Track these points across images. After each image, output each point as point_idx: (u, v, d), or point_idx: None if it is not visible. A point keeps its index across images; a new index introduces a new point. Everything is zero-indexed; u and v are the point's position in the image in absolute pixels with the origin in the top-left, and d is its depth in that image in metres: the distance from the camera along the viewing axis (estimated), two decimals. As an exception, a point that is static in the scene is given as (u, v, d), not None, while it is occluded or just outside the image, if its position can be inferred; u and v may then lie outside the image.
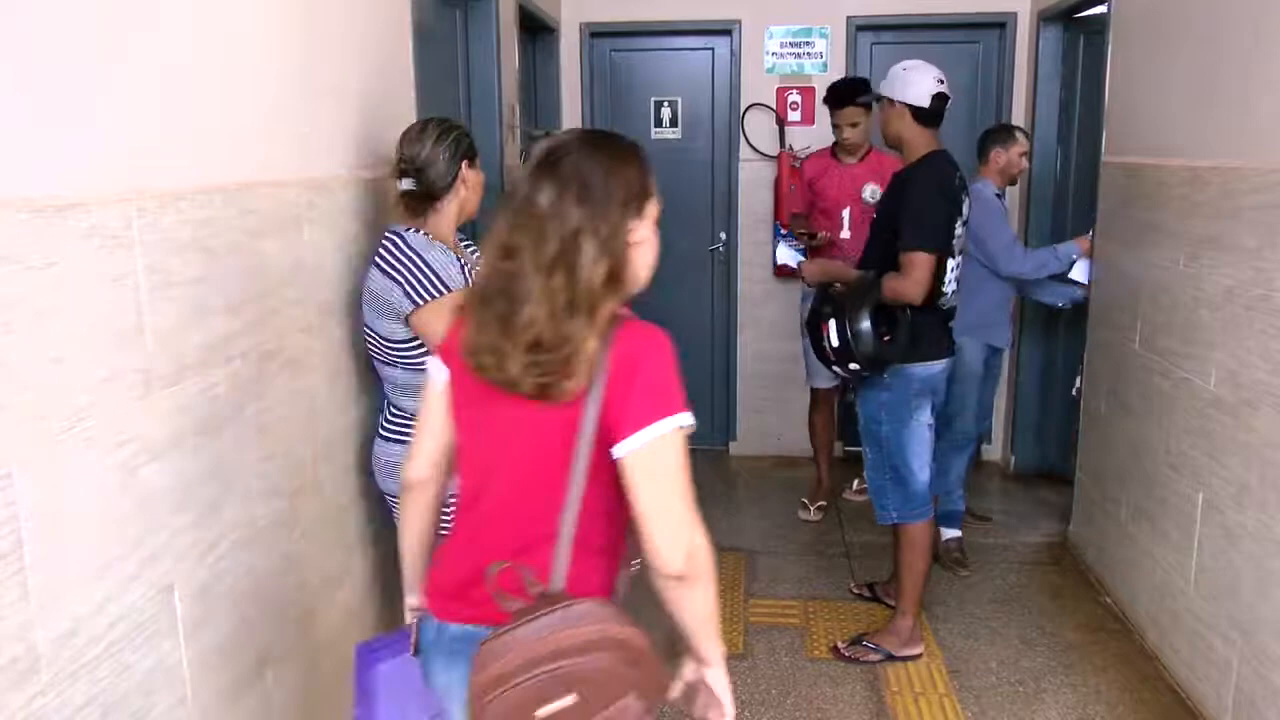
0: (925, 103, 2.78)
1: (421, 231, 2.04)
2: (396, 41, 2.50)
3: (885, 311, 2.72)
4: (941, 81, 2.80)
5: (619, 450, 1.25)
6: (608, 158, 1.30)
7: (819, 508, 4.13)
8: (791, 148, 4.56)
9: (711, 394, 5.06)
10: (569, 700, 1.19)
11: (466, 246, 2.25)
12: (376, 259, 2.01)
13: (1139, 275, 3.12)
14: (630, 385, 1.26)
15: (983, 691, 2.82)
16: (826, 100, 3.87)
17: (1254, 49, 2.45)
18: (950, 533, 3.70)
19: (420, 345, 1.98)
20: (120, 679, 1.34)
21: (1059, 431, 4.37)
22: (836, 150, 3.94)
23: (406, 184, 2.04)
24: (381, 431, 2.12)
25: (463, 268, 2.01)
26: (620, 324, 1.29)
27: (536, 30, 4.40)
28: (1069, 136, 4.32)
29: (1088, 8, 3.96)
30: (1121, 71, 3.37)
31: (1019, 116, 4.47)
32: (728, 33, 4.67)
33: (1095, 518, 3.54)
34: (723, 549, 3.89)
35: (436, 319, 1.95)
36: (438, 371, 1.43)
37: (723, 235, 4.86)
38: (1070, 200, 4.35)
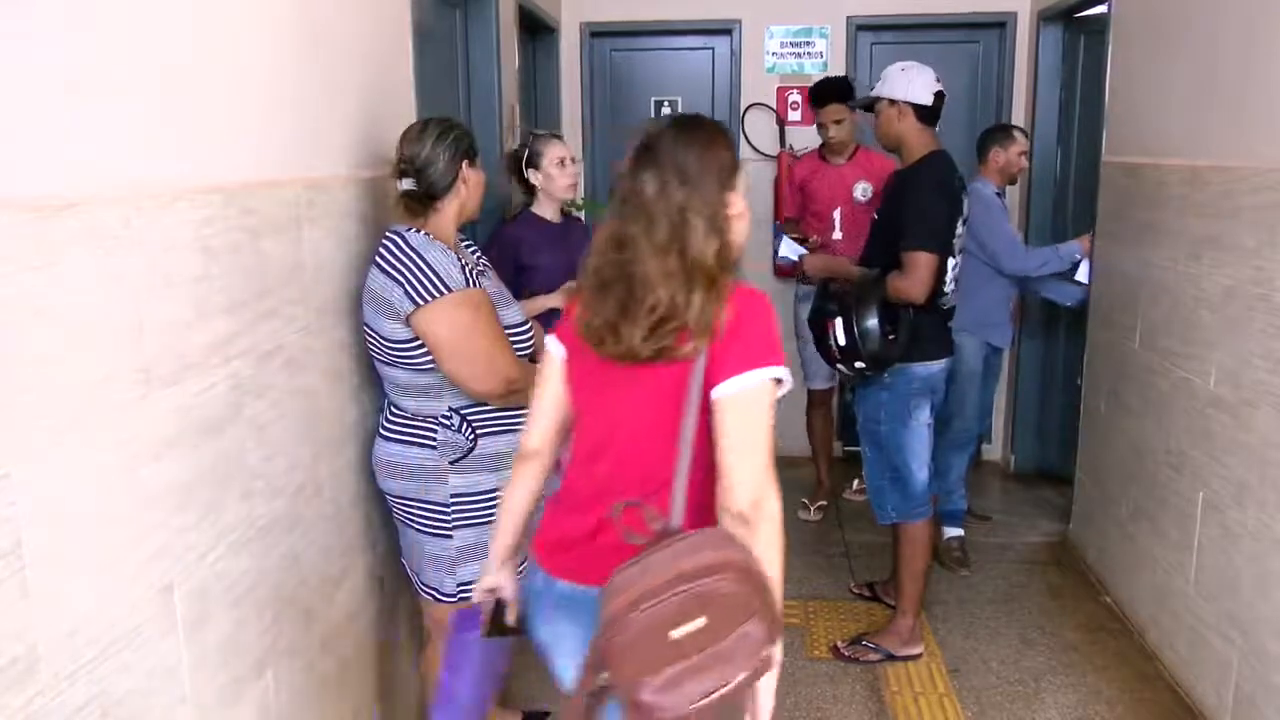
0: (928, 100, 2.78)
1: (422, 231, 2.03)
2: (396, 41, 2.50)
3: (889, 310, 2.72)
4: (938, 80, 2.81)
5: (715, 392, 1.36)
6: (699, 141, 1.41)
7: (819, 508, 4.14)
8: (791, 147, 4.56)
9: (711, 394, 5.05)
10: (700, 622, 1.22)
11: (467, 246, 2.25)
12: (377, 259, 2.01)
13: (1139, 275, 3.12)
14: (733, 337, 1.37)
15: (983, 691, 2.82)
16: (809, 100, 3.89)
17: (1253, 49, 2.45)
18: (952, 531, 3.70)
19: (421, 346, 1.98)
20: (120, 679, 1.34)
21: (1059, 431, 4.37)
22: (824, 151, 3.94)
23: (407, 184, 2.04)
24: (382, 431, 2.12)
25: (463, 268, 2.00)
26: (734, 289, 1.41)
27: (536, 30, 4.40)
28: (1069, 136, 4.32)
29: (1088, 8, 3.96)
30: (1121, 71, 3.37)
31: (1019, 116, 4.47)
32: (728, 32, 4.67)
33: (1095, 518, 3.54)
34: (723, 549, 3.89)
35: (437, 319, 1.95)
36: (555, 350, 1.55)
37: (723, 235, 4.86)
38: (1070, 200, 4.35)
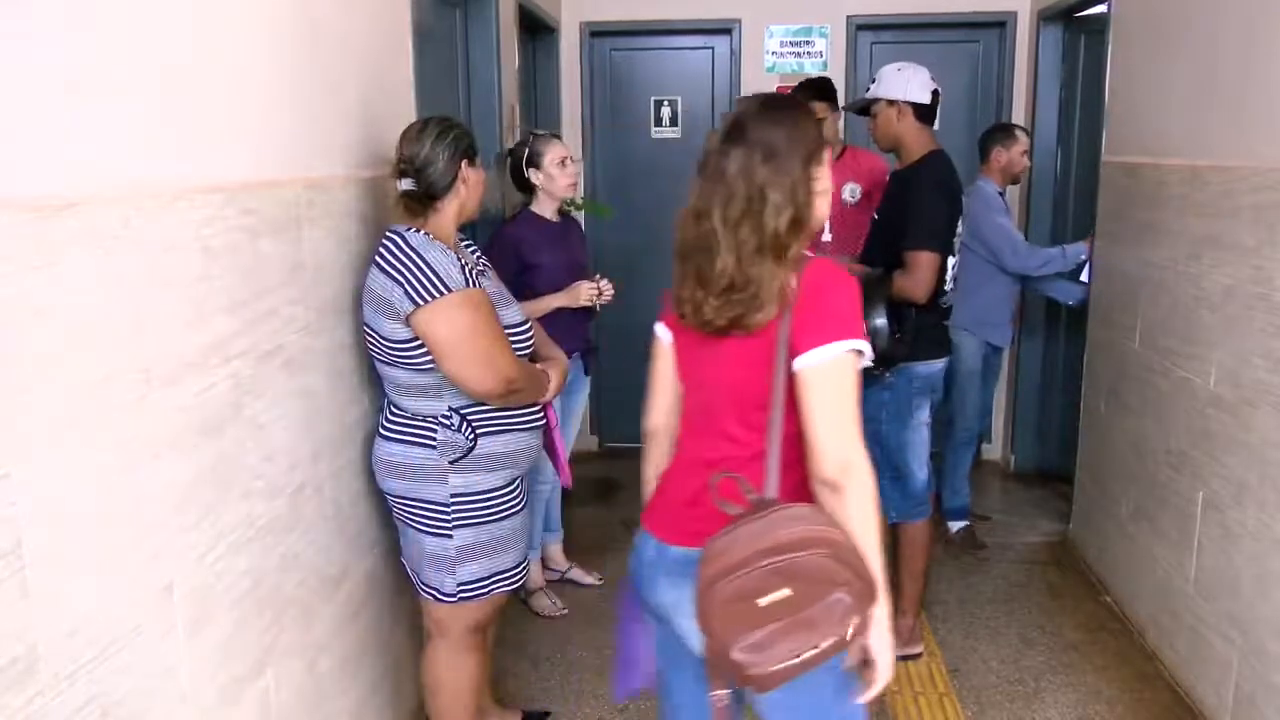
0: (926, 98, 2.79)
1: (422, 231, 2.03)
2: (396, 41, 2.50)
3: (894, 309, 2.72)
4: (933, 79, 2.82)
5: (797, 363, 1.42)
6: (787, 119, 1.50)
7: None
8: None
9: (711, 393, 5.05)
10: (785, 592, 1.31)
11: (467, 246, 2.25)
12: (377, 259, 2.00)
13: (1139, 275, 3.12)
14: (814, 310, 1.43)
15: (982, 690, 2.82)
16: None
17: (1254, 49, 2.45)
18: (958, 524, 3.71)
19: (420, 345, 1.98)
20: (120, 679, 1.34)
21: (1059, 431, 4.37)
22: None
23: (406, 184, 2.04)
24: (382, 431, 2.12)
25: (463, 268, 2.00)
26: (809, 261, 1.49)
27: (536, 30, 4.40)
28: (1069, 136, 4.32)
29: (1088, 7, 3.96)
30: (1121, 71, 3.37)
31: (1019, 116, 4.47)
32: (728, 32, 4.67)
33: (1095, 517, 3.54)
34: (723, 548, 3.89)
35: (437, 319, 1.95)
36: (662, 334, 1.66)
37: (723, 235, 4.85)
38: (1070, 200, 4.35)
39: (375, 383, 2.22)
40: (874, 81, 2.88)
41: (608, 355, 4.75)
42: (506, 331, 2.07)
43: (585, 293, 3.05)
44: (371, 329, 2.02)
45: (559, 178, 3.07)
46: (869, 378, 2.85)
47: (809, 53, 4.63)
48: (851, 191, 3.81)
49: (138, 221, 1.38)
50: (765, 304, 1.44)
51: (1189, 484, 2.73)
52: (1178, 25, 2.90)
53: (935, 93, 2.81)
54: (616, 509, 4.34)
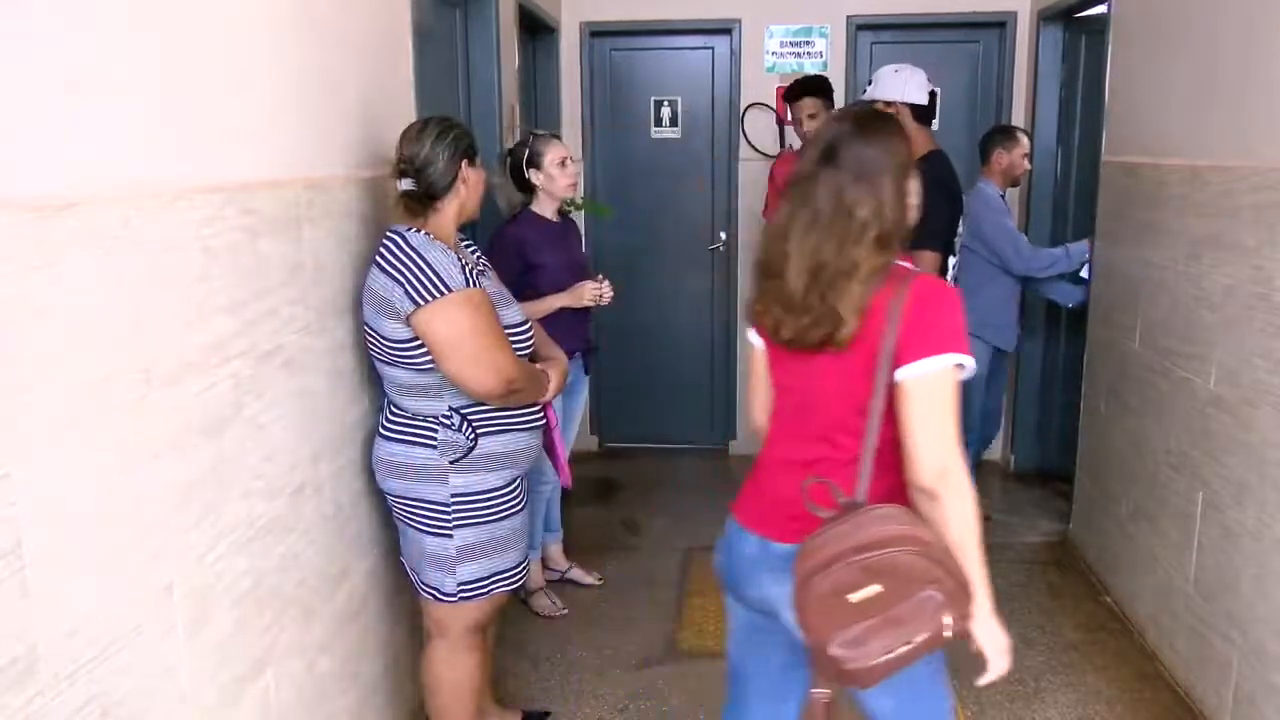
0: (923, 99, 2.79)
1: (422, 231, 2.03)
2: (396, 41, 2.50)
3: None
4: (930, 80, 2.83)
5: (900, 374, 1.46)
6: (879, 139, 1.54)
7: None
8: (791, 147, 4.55)
9: (711, 394, 5.06)
10: (876, 588, 1.38)
11: (466, 246, 2.25)
12: (378, 259, 2.00)
13: (1139, 275, 3.12)
14: (920, 324, 1.47)
15: (982, 691, 2.82)
16: (785, 96, 3.84)
17: (1254, 49, 2.45)
18: None
19: (421, 345, 1.98)
20: (120, 679, 1.34)
21: (1059, 431, 4.37)
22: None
23: (406, 184, 2.04)
24: (382, 431, 2.12)
25: (463, 267, 2.00)
26: (916, 275, 1.53)
27: (536, 30, 4.40)
28: (1069, 136, 4.32)
29: (1088, 8, 3.96)
30: (1121, 71, 3.37)
31: (1019, 116, 4.47)
32: (728, 32, 4.67)
33: (1095, 517, 3.54)
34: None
35: (438, 319, 1.95)
36: (756, 341, 1.71)
37: (723, 235, 4.86)
38: (1070, 200, 4.35)
39: (375, 383, 2.22)
40: (870, 83, 2.88)
41: (608, 355, 4.76)
42: (507, 331, 2.07)
43: (589, 293, 3.05)
44: (372, 329, 2.02)
45: (559, 178, 3.07)
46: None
47: (809, 53, 4.63)
48: None
49: (138, 221, 1.38)
50: (847, 321, 1.48)
51: (1189, 484, 2.73)
52: (1178, 25, 2.91)
53: (933, 94, 2.82)
54: (616, 509, 4.34)
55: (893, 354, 1.47)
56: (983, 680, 1.55)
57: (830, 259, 1.49)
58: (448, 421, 2.05)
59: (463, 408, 2.05)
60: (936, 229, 2.73)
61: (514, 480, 2.16)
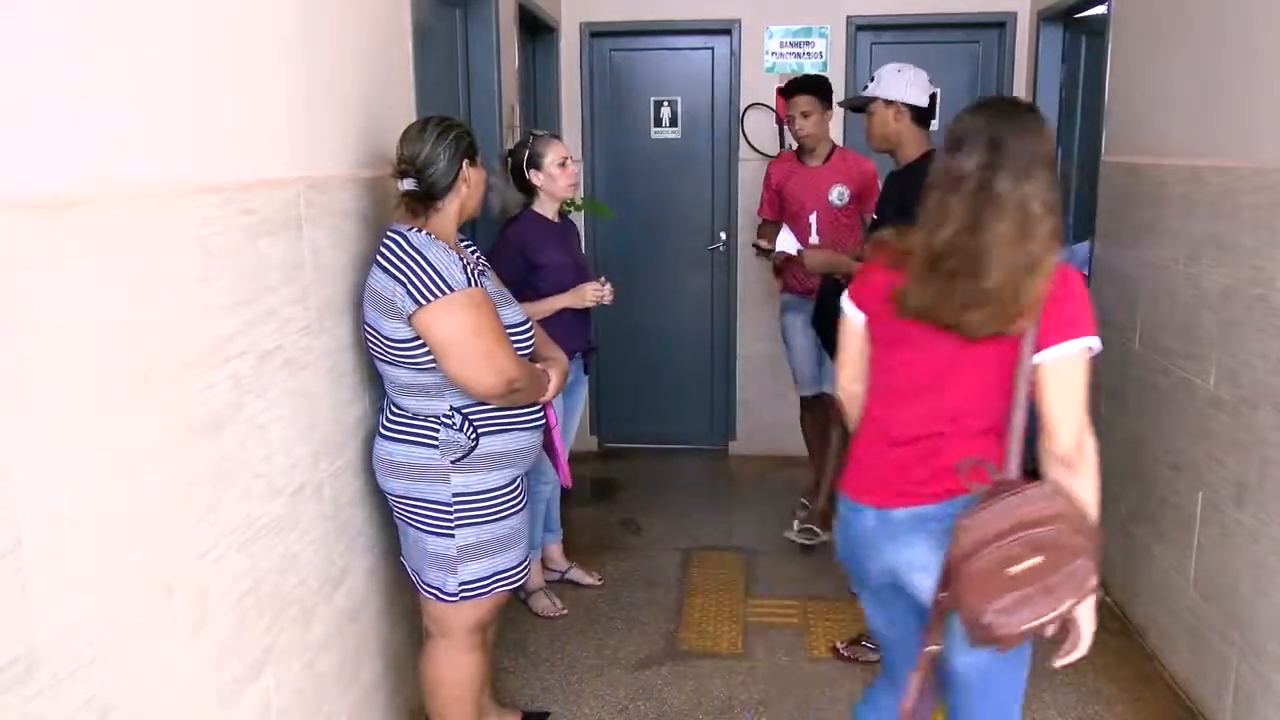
0: (924, 101, 2.78)
1: (424, 231, 2.03)
2: (396, 41, 2.50)
3: None
4: (930, 82, 2.82)
5: (1039, 357, 1.58)
6: (1033, 134, 1.63)
7: (807, 530, 4.03)
8: (791, 147, 4.55)
9: (711, 394, 5.06)
10: (1036, 560, 1.50)
11: (466, 246, 2.25)
12: (379, 258, 2.00)
13: (1139, 275, 3.12)
14: (1057, 311, 1.58)
15: (982, 691, 2.82)
16: (781, 91, 3.82)
17: (1253, 49, 2.45)
18: None
19: (422, 345, 1.98)
20: (119, 679, 1.34)
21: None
22: (800, 153, 3.84)
23: (408, 184, 2.03)
24: (382, 431, 2.12)
25: (464, 267, 2.00)
26: (1056, 265, 1.61)
27: (536, 30, 4.40)
28: (1069, 137, 4.32)
29: (1087, 8, 3.96)
30: (1121, 71, 3.37)
31: (1019, 116, 4.46)
32: (727, 32, 4.67)
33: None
34: (722, 549, 3.89)
35: (440, 319, 1.95)
36: (856, 316, 1.81)
37: (723, 235, 4.86)
38: (1070, 200, 4.35)
39: (375, 382, 2.22)
40: (872, 80, 2.87)
41: (608, 355, 4.76)
42: (507, 331, 2.07)
43: (590, 293, 3.05)
44: (373, 328, 2.02)
45: (560, 178, 3.07)
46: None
47: (809, 53, 4.63)
48: (839, 195, 3.75)
49: (138, 221, 1.38)
50: (1027, 314, 1.57)
51: (1189, 484, 2.73)
52: (1178, 25, 2.91)
53: (933, 96, 2.81)
54: (616, 509, 4.34)
55: (1035, 338, 1.59)
56: (1068, 660, 1.65)
57: (1020, 257, 1.56)
58: (449, 421, 2.05)
59: (464, 407, 2.05)
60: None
61: (515, 479, 2.16)
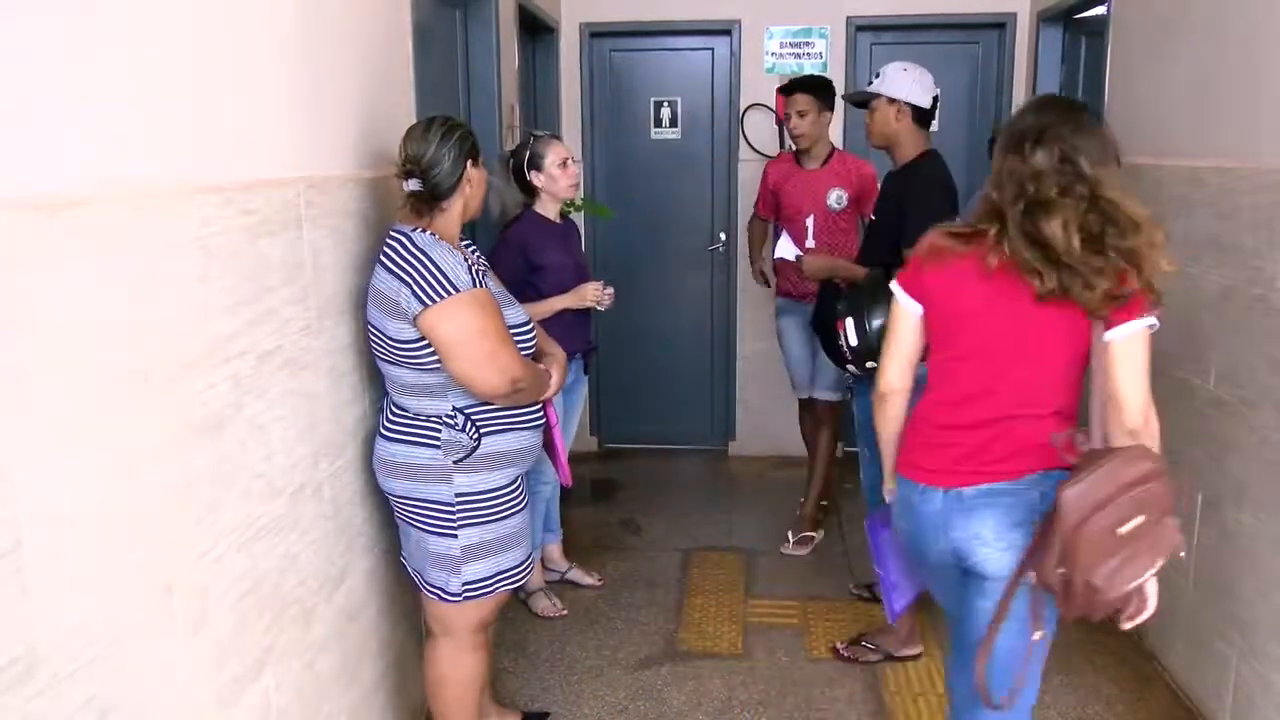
0: (927, 103, 2.78)
1: (428, 231, 2.03)
2: (396, 41, 2.50)
3: None
4: (935, 84, 2.82)
5: (1110, 335, 1.69)
6: (1095, 129, 1.79)
7: (822, 506, 4.05)
8: (791, 148, 4.55)
9: (711, 394, 5.06)
10: (1140, 520, 1.60)
11: (467, 246, 2.25)
12: (383, 259, 2.00)
13: (1138, 275, 3.12)
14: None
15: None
16: (781, 89, 3.81)
17: (1253, 49, 2.45)
18: None
19: (428, 346, 1.98)
20: (119, 679, 1.34)
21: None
22: (799, 155, 3.82)
23: (413, 185, 2.03)
24: (383, 431, 2.12)
25: (469, 268, 2.00)
26: None
27: (536, 30, 4.40)
28: (1069, 137, 4.31)
29: (1087, 8, 3.95)
30: (1121, 72, 3.37)
31: (1018, 117, 4.46)
32: (727, 33, 4.67)
33: (1095, 518, 3.53)
34: (722, 549, 3.89)
35: (445, 319, 1.94)
36: (909, 305, 1.89)
37: (722, 235, 4.86)
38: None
39: (375, 382, 2.22)
40: (877, 76, 2.86)
41: (608, 355, 4.76)
42: (510, 331, 2.06)
43: (590, 294, 3.05)
44: (377, 329, 2.02)
45: (561, 179, 3.07)
46: (868, 378, 2.85)
47: (809, 54, 4.63)
48: (837, 198, 3.72)
49: (138, 221, 1.38)
50: (1123, 293, 1.68)
51: (1189, 484, 2.73)
52: (1177, 26, 2.91)
53: (935, 98, 2.81)
54: (616, 510, 4.34)
55: (1106, 319, 1.70)
56: (1136, 622, 1.77)
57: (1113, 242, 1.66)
58: (451, 421, 2.04)
59: (466, 407, 2.05)
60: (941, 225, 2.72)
61: (516, 479, 2.16)
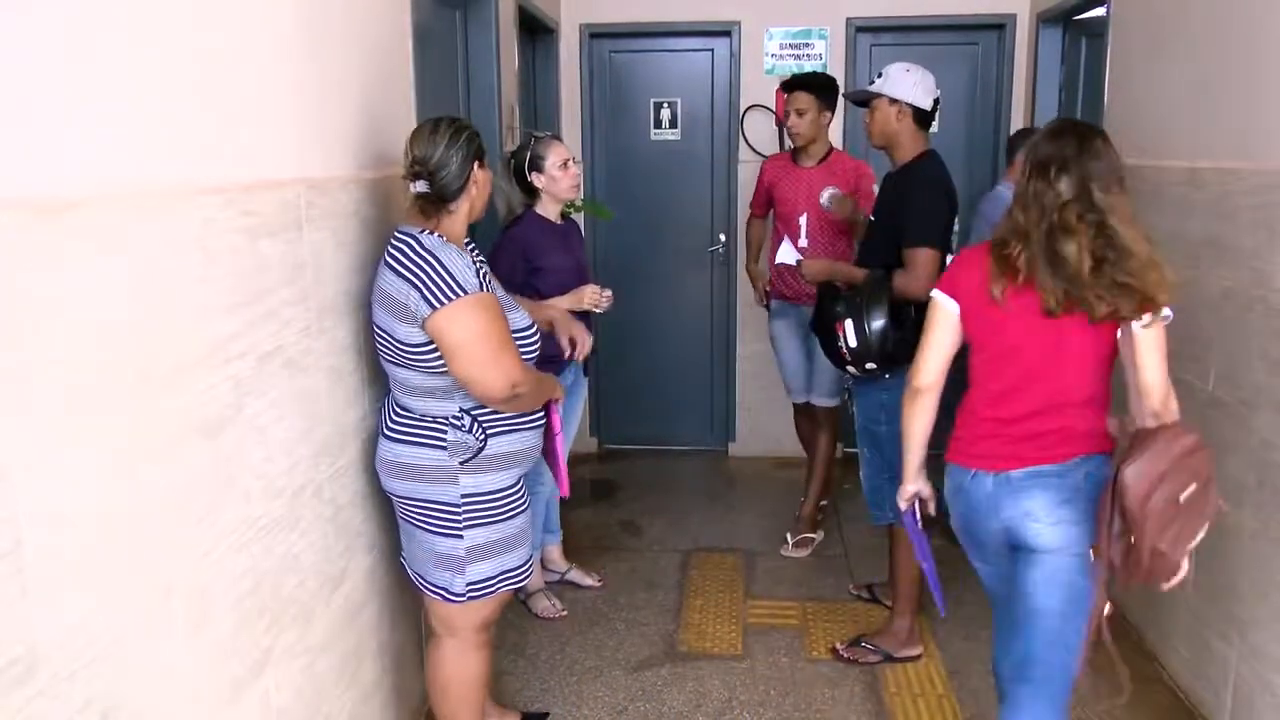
0: (928, 105, 2.78)
1: (435, 233, 2.02)
2: (396, 41, 2.51)
3: (895, 309, 2.70)
4: (936, 87, 2.82)
5: (1137, 325, 1.84)
6: (1107, 155, 1.96)
7: (821, 508, 4.05)
8: (790, 148, 4.55)
9: (711, 395, 5.06)
10: (1194, 487, 1.75)
11: (469, 247, 2.25)
12: (390, 260, 1.99)
13: (1138, 276, 3.12)
14: None
15: (981, 692, 2.82)
16: (781, 86, 3.79)
17: (1253, 50, 2.45)
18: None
19: (436, 349, 1.97)
20: (119, 679, 1.34)
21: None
22: (795, 154, 3.81)
23: (420, 186, 2.01)
24: (387, 432, 2.11)
25: (477, 270, 2.00)
26: None
27: (536, 31, 4.40)
28: (1068, 137, 4.32)
29: (1087, 10, 3.96)
30: (1120, 73, 3.37)
31: (1018, 119, 4.47)
32: (727, 34, 4.67)
33: (1094, 518, 3.53)
34: (721, 550, 3.89)
35: (452, 321, 1.93)
36: (948, 305, 2.03)
37: (722, 236, 4.86)
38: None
39: (375, 383, 2.22)
40: (879, 75, 2.86)
41: (608, 357, 4.76)
42: (514, 335, 2.06)
43: (589, 297, 3.05)
44: (384, 331, 2.01)
45: (561, 180, 3.06)
46: (868, 379, 2.86)
47: (808, 55, 4.63)
48: (830, 198, 3.71)
49: (138, 222, 1.38)
50: (1162, 295, 1.84)
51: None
52: (1177, 27, 2.91)
53: (936, 100, 2.81)
54: (616, 511, 4.34)
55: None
56: (1173, 583, 1.84)
57: (1144, 249, 1.83)
58: (457, 422, 2.04)
59: (473, 409, 2.05)
60: (937, 225, 2.73)
61: (520, 479, 2.16)
